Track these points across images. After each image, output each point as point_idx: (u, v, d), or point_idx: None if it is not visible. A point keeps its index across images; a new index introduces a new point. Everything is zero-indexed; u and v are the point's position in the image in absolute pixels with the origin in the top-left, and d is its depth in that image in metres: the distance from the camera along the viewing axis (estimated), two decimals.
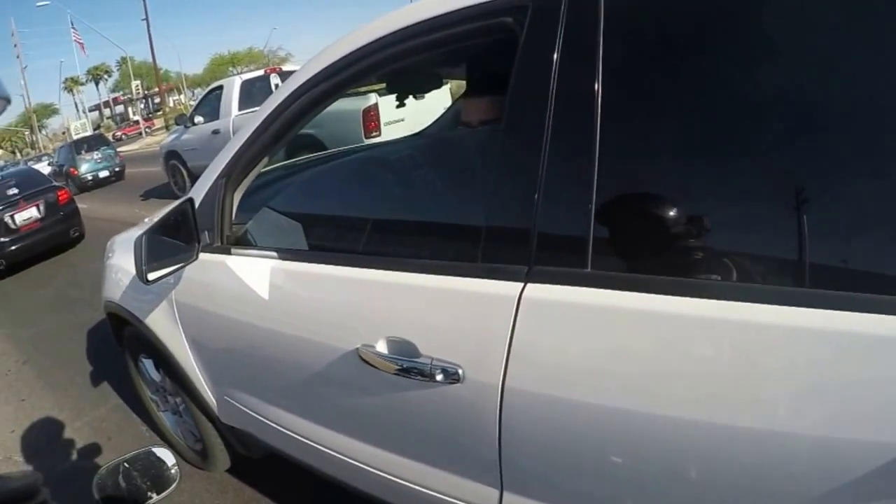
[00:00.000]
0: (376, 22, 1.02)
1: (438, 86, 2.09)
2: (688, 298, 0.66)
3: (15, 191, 6.47)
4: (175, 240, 1.26)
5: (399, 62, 1.03)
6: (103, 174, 12.04)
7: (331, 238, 1.33)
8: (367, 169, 1.63)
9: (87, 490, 2.16)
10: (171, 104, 40.17)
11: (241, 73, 8.46)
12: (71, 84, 49.36)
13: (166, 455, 0.98)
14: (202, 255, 1.28)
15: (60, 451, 2.39)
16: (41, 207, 6.37)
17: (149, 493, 0.94)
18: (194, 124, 7.22)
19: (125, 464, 0.96)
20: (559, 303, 0.76)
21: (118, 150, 13.74)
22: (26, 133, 48.18)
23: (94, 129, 34.56)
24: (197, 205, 1.31)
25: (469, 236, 0.88)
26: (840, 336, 0.58)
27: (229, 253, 1.26)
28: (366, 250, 1.14)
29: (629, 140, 0.75)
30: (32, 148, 45.39)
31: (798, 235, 0.64)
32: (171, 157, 7.72)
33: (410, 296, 0.93)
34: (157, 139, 21.68)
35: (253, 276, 1.19)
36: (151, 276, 1.23)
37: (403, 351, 0.90)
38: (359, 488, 1.21)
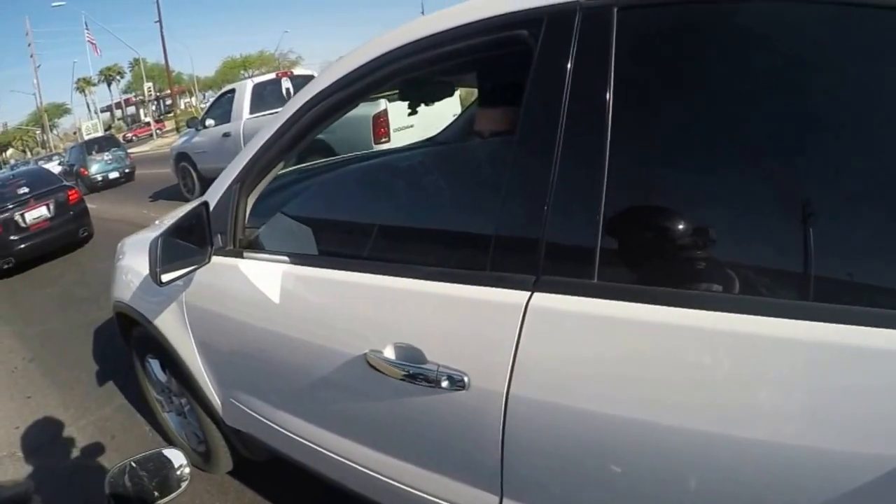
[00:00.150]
0: (393, 33, 1.05)
1: (451, 94, 2.12)
2: (693, 310, 0.68)
3: (26, 190, 6.58)
4: (189, 242, 1.29)
5: (415, 72, 1.07)
6: (113, 175, 12.21)
7: (341, 244, 1.36)
8: (378, 176, 1.66)
9: (87, 489, 2.19)
10: (182, 106, 40.68)
11: (252, 76, 8.57)
12: (83, 84, 50.13)
13: (176, 457, 0.99)
14: (214, 258, 1.31)
15: (64, 450, 2.43)
16: (51, 207, 6.47)
17: (155, 493, 0.96)
18: (205, 127, 7.32)
19: (133, 464, 0.97)
20: (565, 312, 0.78)
21: (129, 151, 13.93)
22: (37, 132, 48.91)
23: (105, 130, 35.06)
24: (211, 208, 1.34)
25: (478, 245, 0.91)
26: (843, 349, 0.60)
27: (241, 256, 1.29)
28: (376, 256, 1.17)
29: (638, 153, 0.78)
30: (43, 147, 46.07)
31: (803, 250, 0.66)
32: (182, 159, 7.82)
33: (419, 302, 0.95)
34: (168, 141, 21.96)
35: (264, 279, 1.22)
36: (165, 277, 1.26)
37: (410, 357, 0.93)
38: (359, 492, 1.23)
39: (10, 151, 52.20)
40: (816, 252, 0.65)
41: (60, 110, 53.06)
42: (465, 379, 0.86)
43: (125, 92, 53.71)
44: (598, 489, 0.80)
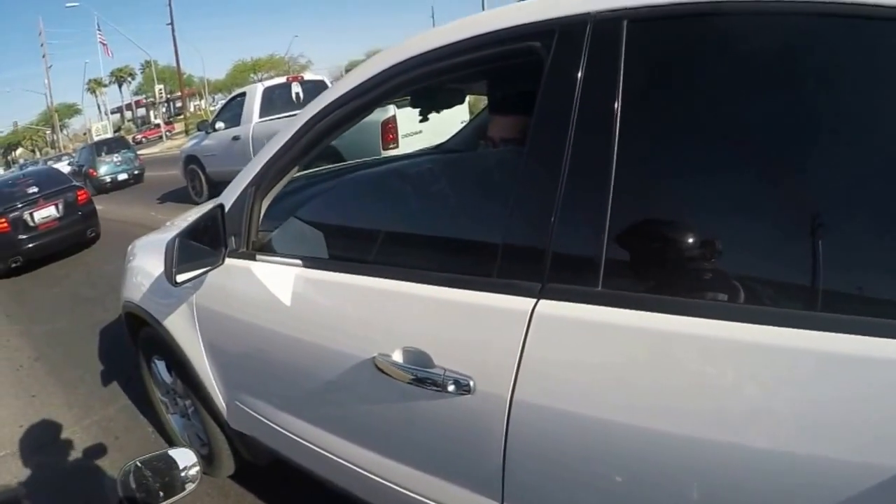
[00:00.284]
0: (408, 42, 1.09)
1: (461, 101, 2.15)
2: (694, 318, 0.71)
3: (35, 189, 6.69)
4: (204, 244, 1.33)
5: (428, 81, 1.11)
6: (122, 177, 12.36)
7: (353, 248, 1.38)
8: (389, 182, 1.69)
9: (89, 489, 2.21)
10: (192, 109, 41.14)
11: (262, 79, 8.68)
12: (94, 85, 50.86)
13: (185, 457, 1.01)
14: (227, 260, 1.34)
15: (67, 449, 2.46)
16: (60, 207, 6.57)
17: (160, 493, 0.97)
18: (215, 130, 7.41)
19: (138, 464, 0.99)
20: (569, 319, 0.80)
21: (139, 152, 14.08)
22: (47, 132, 49.57)
23: (115, 132, 35.50)
24: (227, 210, 1.37)
25: (485, 252, 0.94)
26: (845, 358, 0.62)
27: (254, 259, 1.32)
28: (386, 261, 1.19)
29: (644, 164, 0.81)
30: (52, 147, 46.69)
31: (806, 260, 0.68)
32: (191, 161, 7.91)
33: (427, 307, 0.98)
34: (177, 143, 22.21)
35: (276, 282, 1.25)
36: (180, 277, 1.29)
37: (418, 361, 0.95)
38: (360, 496, 1.25)
39: (19, 151, 52.97)
40: (819, 262, 0.67)
41: (71, 111, 53.79)
42: (471, 383, 0.88)
43: (136, 94, 54.42)
44: (596, 495, 0.82)
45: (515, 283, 0.86)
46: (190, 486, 0.99)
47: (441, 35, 1.03)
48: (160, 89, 42.19)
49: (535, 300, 0.83)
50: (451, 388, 0.89)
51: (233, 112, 7.33)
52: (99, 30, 37.33)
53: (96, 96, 52.14)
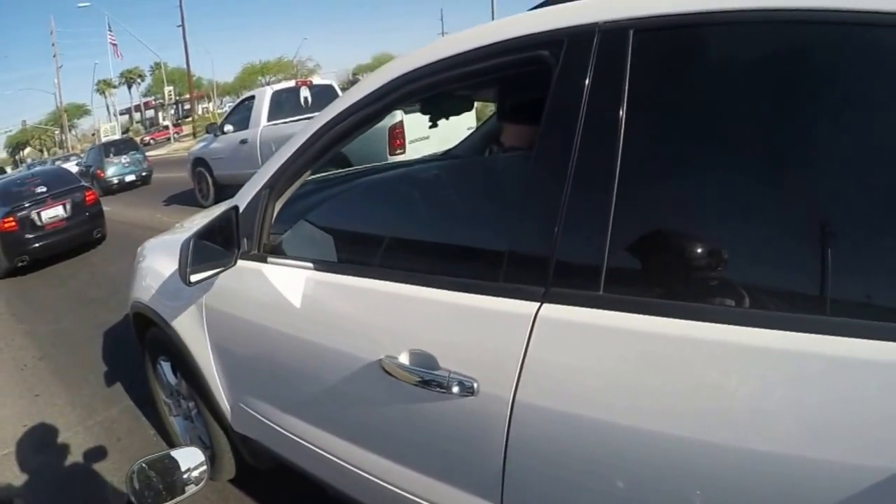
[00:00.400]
0: (420, 51, 1.13)
1: (470, 108, 2.17)
2: (691, 321, 0.73)
3: (43, 189, 6.79)
4: (218, 245, 1.36)
5: (440, 89, 1.14)
6: (130, 178, 12.48)
7: (362, 252, 1.41)
8: (398, 187, 1.71)
9: (91, 489, 2.22)
10: (200, 112, 41.52)
11: (269, 82, 8.76)
12: (104, 86, 51.48)
13: (191, 457, 1.02)
14: (239, 262, 1.37)
15: (69, 449, 2.49)
16: (67, 207, 6.66)
17: (163, 493, 0.99)
18: (224, 133, 7.47)
19: (143, 464, 1.00)
20: (570, 322, 0.83)
21: (147, 154, 14.18)
22: (56, 132, 50.15)
23: (123, 133, 35.87)
24: (241, 212, 1.40)
25: (492, 257, 0.97)
26: (847, 362, 0.64)
27: (265, 261, 1.36)
28: (394, 265, 1.22)
29: (647, 173, 0.84)
30: (60, 147, 47.18)
31: (805, 264, 0.72)
32: (199, 164, 7.99)
33: (434, 310, 1.01)
34: (185, 145, 22.44)
35: (286, 284, 1.28)
36: (194, 277, 1.33)
37: (424, 363, 0.98)
38: (359, 499, 1.27)
39: (27, 150, 53.58)
40: (817, 267, 0.70)
41: (80, 111, 54.37)
42: (475, 385, 0.91)
43: (145, 95, 55.03)
44: (593, 496, 0.84)
45: (521, 288, 0.89)
46: (197, 486, 1.00)
47: (452, 44, 1.07)
48: (170, 90, 42.60)
49: (538, 304, 0.86)
50: (455, 389, 0.92)
51: (241, 115, 7.40)
52: (110, 30, 37.88)
53: (105, 97, 52.85)
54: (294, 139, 1.33)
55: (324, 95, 7.26)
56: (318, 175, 2.21)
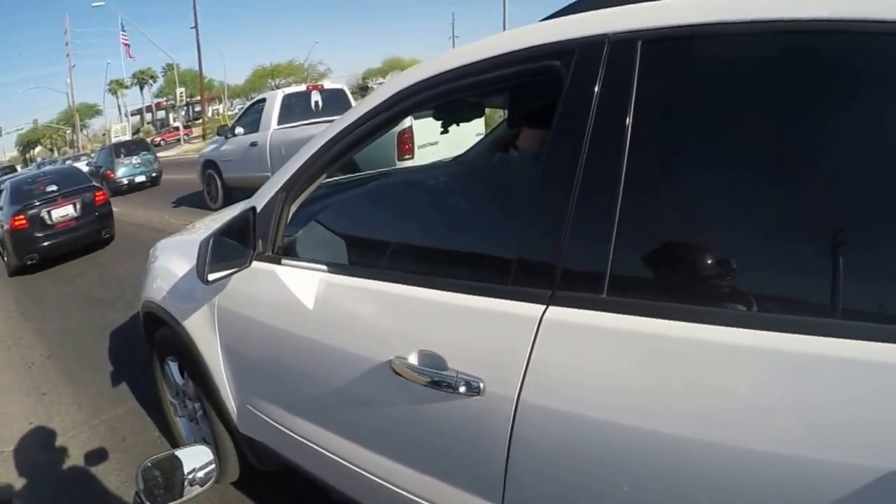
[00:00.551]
0: (436, 59, 1.18)
1: (481, 115, 2.20)
2: (692, 324, 0.76)
3: (54, 188, 6.92)
4: (235, 245, 1.40)
5: (453, 96, 1.20)
6: (139, 179, 12.64)
7: (373, 255, 1.44)
8: (408, 192, 1.74)
9: (93, 488, 2.24)
10: (210, 113, 41.96)
11: (279, 85, 8.83)
12: (115, 87, 52.20)
13: (203, 455, 1.04)
14: (253, 263, 1.41)
15: (74, 448, 2.54)
16: (77, 206, 6.78)
17: (164, 493, 1.01)
18: (234, 135, 7.56)
19: (148, 463, 1.03)
20: (574, 324, 0.86)
21: (157, 155, 14.32)
22: (67, 132, 50.84)
23: (134, 133, 36.29)
24: (258, 213, 1.44)
25: (500, 260, 1.01)
26: (848, 363, 0.66)
27: (279, 263, 1.39)
28: (405, 268, 1.24)
29: (651, 180, 0.87)
30: (71, 147, 47.82)
31: (805, 267, 0.74)
32: (208, 166, 8.08)
33: (443, 312, 1.04)
34: (195, 147, 22.68)
35: (298, 285, 1.32)
36: (212, 276, 1.37)
37: (433, 364, 1.01)
38: (361, 501, 1.30)
39: (37, 149, 54.38)
40: (818, 270, 0.73)
41: (92, 111, 55.17)
42: (481, 385, 0.94)
43: (157, 96, 55.66)
44: (594, 496, 0.86)
45: (528, 291, 0.92)
46: (202, 487, 1.02)
47: (466, 54, 1.11)
48: (181, 92, 43.09)
49: (544, 306, 0.89)
50: (462, 389, 0.95)
51: (252, 118, 7.48)
52: (123, 31, 38.37)
53: (117, 97, 53.59)
54: (311, 143, 1.38)
55: (334, 100, 7.33)
56: (330, 179, 2.24)
